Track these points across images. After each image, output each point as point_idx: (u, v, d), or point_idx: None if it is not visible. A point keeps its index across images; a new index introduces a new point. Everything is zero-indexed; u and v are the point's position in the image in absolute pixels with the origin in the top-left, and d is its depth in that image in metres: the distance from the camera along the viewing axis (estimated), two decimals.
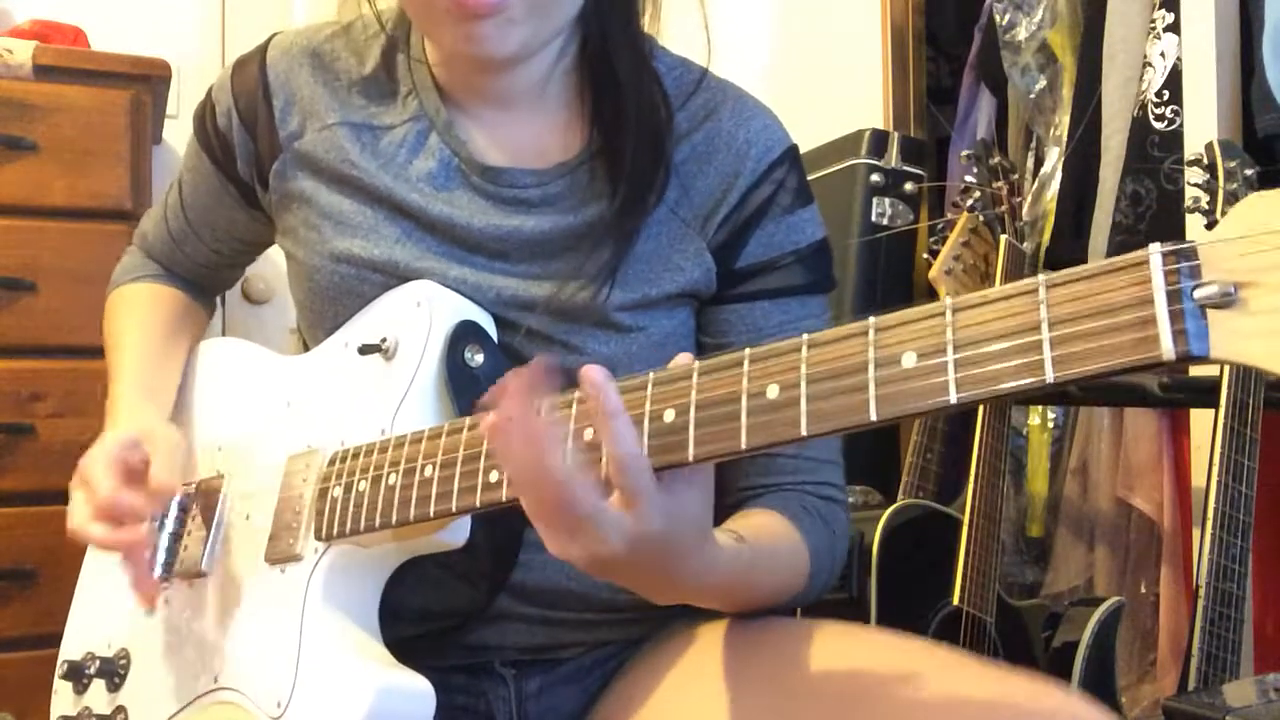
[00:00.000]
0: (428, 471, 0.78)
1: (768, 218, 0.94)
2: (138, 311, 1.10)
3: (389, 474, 0.81)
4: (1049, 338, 0.52)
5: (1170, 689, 1.47)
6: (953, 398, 0.55)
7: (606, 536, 0.65)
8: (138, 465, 0.92)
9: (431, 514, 0.77)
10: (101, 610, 1.06)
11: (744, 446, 0.62)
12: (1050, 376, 0.52)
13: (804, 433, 0.59)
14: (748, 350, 0.63)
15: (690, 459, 0.64)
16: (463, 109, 0.96)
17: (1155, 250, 0.50)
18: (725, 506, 0.94)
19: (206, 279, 1.16)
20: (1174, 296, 0.49)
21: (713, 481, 0.70)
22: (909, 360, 0.56)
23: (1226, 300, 0.48)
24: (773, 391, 0.61)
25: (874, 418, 0.57)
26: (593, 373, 0.65)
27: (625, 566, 0.68)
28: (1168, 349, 0.49)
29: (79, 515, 0.90)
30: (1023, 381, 0.53)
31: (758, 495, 0.93)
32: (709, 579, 0.75)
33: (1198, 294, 0.49)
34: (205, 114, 1.03)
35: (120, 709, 0.97)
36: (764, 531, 0.87)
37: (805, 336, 0.61)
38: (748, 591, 0.85)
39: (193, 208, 1.08)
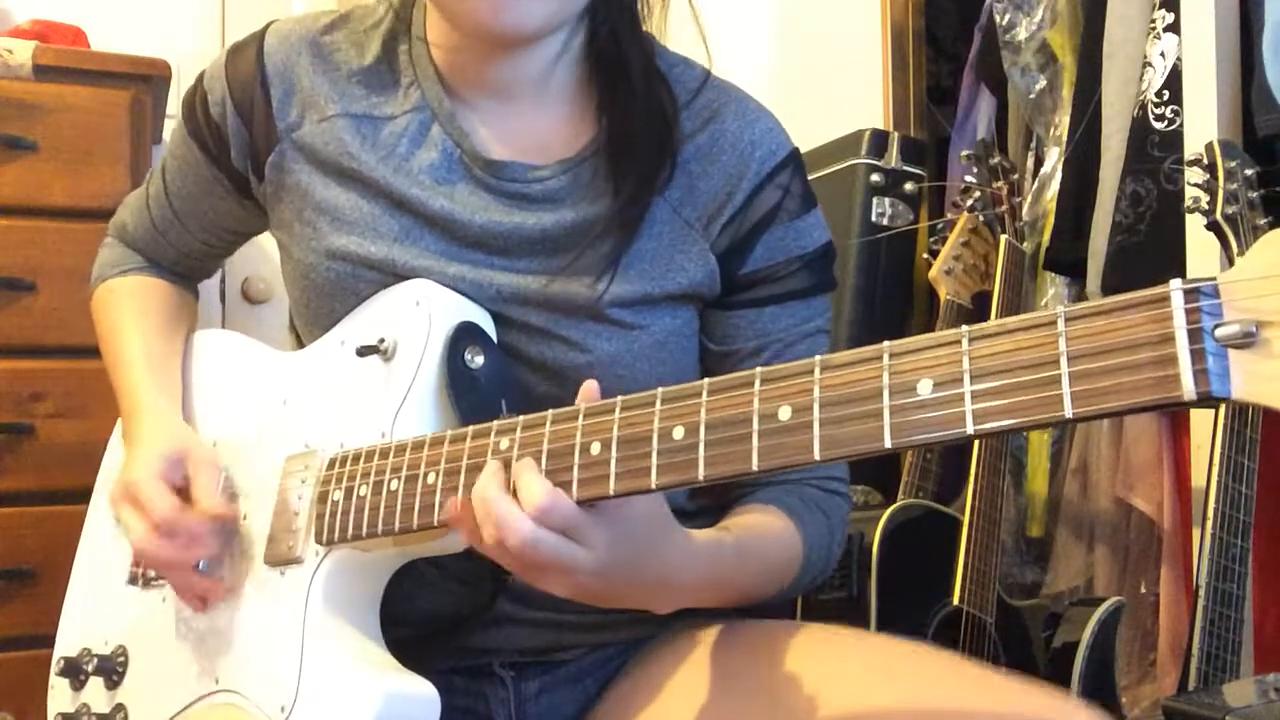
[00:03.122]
0: (430, 479, 0.78)
1: (775, 224, 0.94)
2: (134, 304, 1.08)
3: (390, 479, 0.81)
4: (1068, 372, 0.51)
5: (1170, 689, 1.47)
6: (970, 429, 0.54)
7: (575, 571, 0.69)
8: (181, 484, 0.92)
9: (435, 522, 0.77)
10: (97, 607, 1.05)
11: (755, 468, 0.61)
12: (1069, 412, 0.51)
13: (817, 457, 0.59)
14: (759, 370, 0.63)
15: (700, 479, 0.63)
16: (465, 101, 0.95)
17: (1176, 286, 0.49)
18: (730, 499, 0.94)
19: (191, 268, 1.14)
20: (1195, 335, 0.48)
21: None
22: (925, 389, 0.56)
23: (1248, 340, 0.47)
24: (785, 413, 0.61)
25: (888, 445, 0.56)
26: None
27: (608, 589, 0.72)
28: (1189, 389, 0.48)
29: (138, 534, 0.90)
30: (1041, 416, 0.52)
31: (762, 487, 0.94)
32: (693, 574, 0.77)
33: (1219, 333, 0.48)
34: (195, 101, 1.00)
35: (120, 707, 0.97)
36: (754, 525, 0.88)
37: (818, 358, 0.61)
38: (737, 580, 0.85)
39: (179, 196, 1.06)
